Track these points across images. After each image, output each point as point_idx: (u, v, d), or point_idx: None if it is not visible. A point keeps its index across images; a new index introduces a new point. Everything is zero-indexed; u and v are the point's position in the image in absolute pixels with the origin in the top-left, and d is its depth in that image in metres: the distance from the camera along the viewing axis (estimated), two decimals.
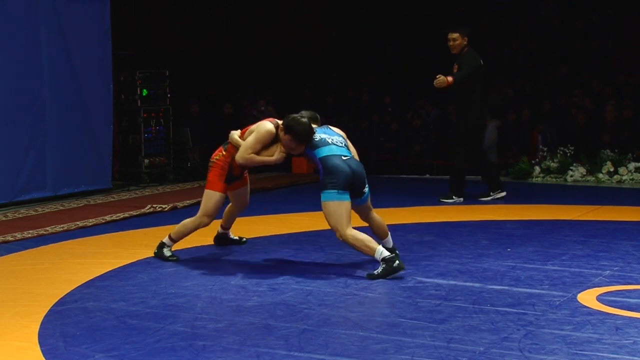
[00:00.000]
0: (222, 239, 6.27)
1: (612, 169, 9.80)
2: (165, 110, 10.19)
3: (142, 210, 7.81)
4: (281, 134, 5.49)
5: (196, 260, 5.90)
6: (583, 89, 11.76)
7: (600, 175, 9.81)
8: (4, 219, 7.62)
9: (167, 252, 5.84)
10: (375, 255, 5.21)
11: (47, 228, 7.05)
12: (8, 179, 8.15)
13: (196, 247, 6.29)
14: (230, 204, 6.13)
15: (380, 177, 10.66)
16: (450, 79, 7.83)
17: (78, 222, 7.24)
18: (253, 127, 5.67)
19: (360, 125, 12.71)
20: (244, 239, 6.31)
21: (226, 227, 6.23)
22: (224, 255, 6.02)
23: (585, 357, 3.80)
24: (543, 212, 7.77)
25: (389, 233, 5.68)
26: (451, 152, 8.55)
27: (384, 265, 5.18)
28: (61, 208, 8.16)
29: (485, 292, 4.90)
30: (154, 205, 7.89)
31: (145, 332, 4.23)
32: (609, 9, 13.30)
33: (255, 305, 4.71)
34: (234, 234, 6.30)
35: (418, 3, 14.54)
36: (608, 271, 5.38)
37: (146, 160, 9.89)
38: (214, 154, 5.84)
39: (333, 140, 5.45)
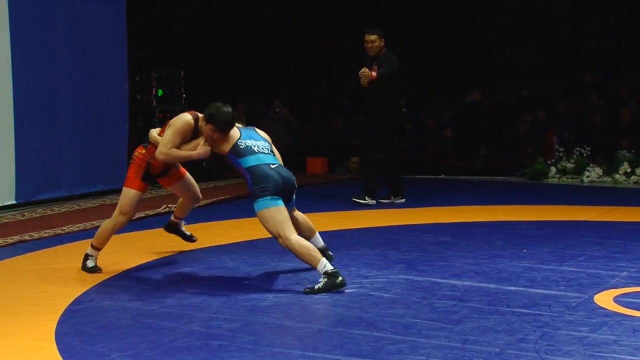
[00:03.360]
0: (172, 227, 6.07)
1: (629, 170, 9.74)
2: (181, 110, 10.18)
3: (158, 210, 7.84)
4: (202, 125, 5.21)
5: (211, 259, 5.91)
6: (598, 90, 11.70)
7: (617, 176, 9.75)
8: (21, 218, 7.67)
9: (90, 263, 5.54)
10: (318, 267, 4.94)
11: (64, 227, 7.09)
12: (25, 179, 8.19)
13: (210, 247, 6.31)
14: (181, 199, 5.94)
15: None
16: (374, 74, 7.83)
17: (94, 222, 7.27)
18: (171, 121, 5.35)
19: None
20: (195, 238, 6.10)
21: (178, 216, 6.02)
22: (238, 255, 6.02)
23: (602, 359, 3.78)
24: (559, 212, 7.73)
25: (317, 232, 5.52)
26: (367, 153, 8.42)
27: (325, 280, 4.91)
28: (77, 208, 8.21)
29: (500, 293, 4.88)
30: (169, 205, 7.90)
31: (160, 332, 4.24)
32: (624, 9, 13.22)
33: (270, 305, 4.71)
34: (188, 230, 6.10)
35: (429, 4, 14.51)
36: (625, 272, 5.34)
37: None
38: (135, 151, 5.63)
39: (259, 147, 5.22)
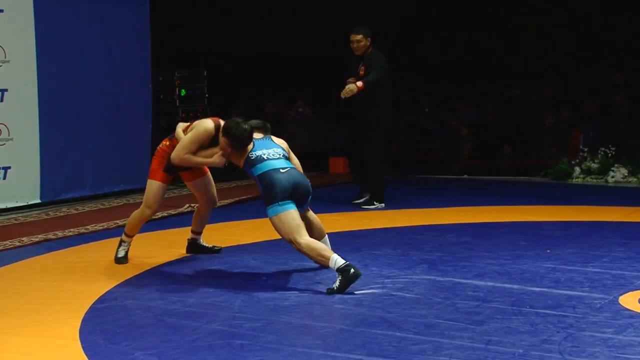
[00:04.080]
0: (192, 247, 6.03)
1: None
2: (204, 110, 10.24)
3: (181, 209, 7.87)
4: (220, 136, 5.32)
5: (234, 259, 5.92)
6: (624, 89, 11.58)
7: None
8: (45, 217, 7.74)
9: (121, 252, 5.73)
10: (330, 264, 4.97)
11: (87, 226, 7.15)
12: (49, 178, 8.27)
13: (232, 246, 6.32)
14: (197, 206, 5.99)
15: (417, 178, 10.62)
16: (360, 84, 7.75)
17: (117, 221, 7.31)
18: (195, 123, 5.47)
19: (397, 125, 12.67)
20: (217, 248, 6.08)
21: (196, 231, 6.00)
22: (260, 255, 6.03)
23: None
24: (583, 213, 7.66)
25: (326, 235, 5.54)
26: (364, 155, 8.20)
27: (340, 277, 4.91)
28: (101, 207, 8.26)
29: (524, 294, 4.85)
30: (192, 205, 7.92)
31: (183, 331, 4.26)
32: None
33: (293, 305, 4.72)
34: (207, 242, 6.09)
35: (451, 3, 14.44)
36: None
37: None
38: (160, 143, 5.71)
39: (269, 154, 5.30)
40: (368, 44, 7.99)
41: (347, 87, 7.78)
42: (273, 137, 5.55)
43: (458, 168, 11.32)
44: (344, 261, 4.97)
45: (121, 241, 5.82)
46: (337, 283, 4.94)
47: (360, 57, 8.00)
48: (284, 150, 5.44)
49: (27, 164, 8.10)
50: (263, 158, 5.28)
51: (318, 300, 4.82)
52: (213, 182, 5.92)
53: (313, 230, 5.42)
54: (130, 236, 5.80)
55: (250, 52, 13.55)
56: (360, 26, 8.08)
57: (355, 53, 8.04)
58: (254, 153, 5.31)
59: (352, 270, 4.93)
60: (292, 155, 5.56)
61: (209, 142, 5.41)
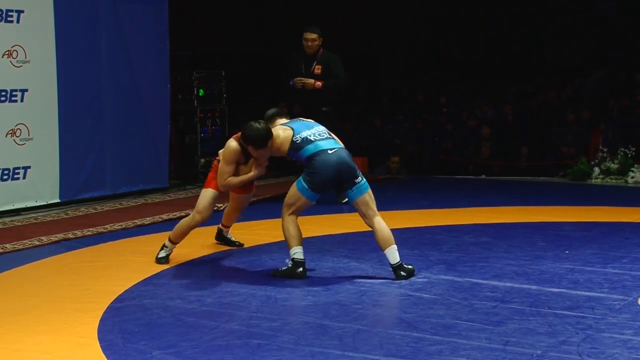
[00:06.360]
0: (219, 236, 6.39)
1: None
2: (222, 110, 10.29)
3: None
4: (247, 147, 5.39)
5: (252, 259, 5.94)
6: None
7: None
8: (65, 216, 7.79)
9: (161, 253, 5.81)
10: (290, 251, 5.28)
11: (106, 226, 7.18)
12: (69, 177, 8.32)
13: (250, 246, 6.34)
14: (228, 205, 6.24)
15: (436, 178, 10.59)
16: (319, 84, 7.80)
17: (135, 220, 7.35)
18: (221, 151, 5.58)
19: (415, 125, 12.66)
20: (240, 243, 6.36)
21: (226, 224, 6.33)
22: (278, 255, 6.04)
23: None
24: (603, 214, 7.61)
25: (393, 245, 5.20)
26: None
27: (289, 265, 5.28)
28: (119, 207, 8.30)
29: (542, 295, 4.83)
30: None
31: (201, 330, 4.27)
32: None
33: (310, 305, 4.72)
34: (234, 237, 6.38)
35: (473, 3, 14.40)
36: None
37: (202, 160, 10.00)
38: (215, 159, 5.85)
39: (315, 135, 5.30)
40: (320, 43, 8.02)
41: (307, 79, 7.81)
42: (303, 119, 5.58)
43: (476, 168, 11.29)
44: (302, 258, 5.26)
45: (164, 245, 5.85)
46: (283, 268, 5.33)
47: (312, 56, 8.01)
48: (326, 128, 5.48)
49: (46, 163, 8.16)
50: (310, 139, 5.28)
51: (335, 300, 4.82)
52: (250, 198, 6.19)
53: (378, 241, 5.27)
54: (175, 243, 5.84)
55: (268, 52, 13.58)
56: (314, 25, 8.10)
57: (307, 51, 8.05)
58: (298, 137, 5.29)
59: (300, 269, 5.25)
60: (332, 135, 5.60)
61: (243, 157, 5.49)
